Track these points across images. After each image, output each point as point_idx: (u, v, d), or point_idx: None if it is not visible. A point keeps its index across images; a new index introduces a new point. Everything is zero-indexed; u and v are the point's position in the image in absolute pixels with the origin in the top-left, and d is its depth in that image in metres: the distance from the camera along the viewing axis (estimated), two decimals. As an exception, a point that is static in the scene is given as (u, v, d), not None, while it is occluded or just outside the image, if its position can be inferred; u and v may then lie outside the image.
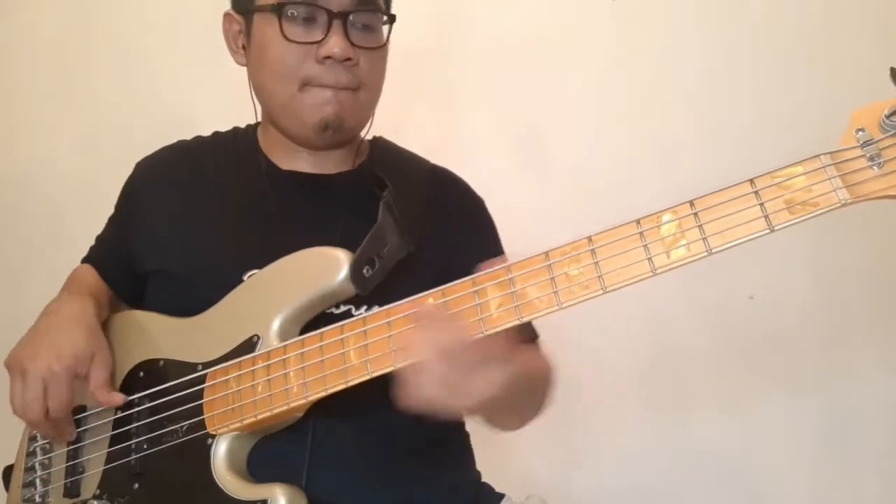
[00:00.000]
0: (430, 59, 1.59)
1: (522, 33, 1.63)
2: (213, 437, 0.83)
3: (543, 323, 0.83)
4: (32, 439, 0.97)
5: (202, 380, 0.86)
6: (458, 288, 0.74)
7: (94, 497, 0.90)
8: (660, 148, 1.54)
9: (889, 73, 0.60)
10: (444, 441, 0.95)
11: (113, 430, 0.91)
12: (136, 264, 0.98)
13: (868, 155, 0.60)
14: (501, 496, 0.95)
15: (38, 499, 0.95)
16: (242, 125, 1.05)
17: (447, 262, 0.90)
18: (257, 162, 0.98)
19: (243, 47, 0.96)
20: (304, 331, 0.85)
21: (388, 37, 0.95)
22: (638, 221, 0.67)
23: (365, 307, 0.86)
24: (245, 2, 0.94)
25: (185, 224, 0.96)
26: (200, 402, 0.85)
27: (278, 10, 0.88)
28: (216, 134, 1.06)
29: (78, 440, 0.94)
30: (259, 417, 0.81)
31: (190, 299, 0.90)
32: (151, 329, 0.94)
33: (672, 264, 0.66)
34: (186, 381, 0.87)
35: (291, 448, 0.84)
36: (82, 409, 0.94)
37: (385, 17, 0.93)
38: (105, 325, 0.95)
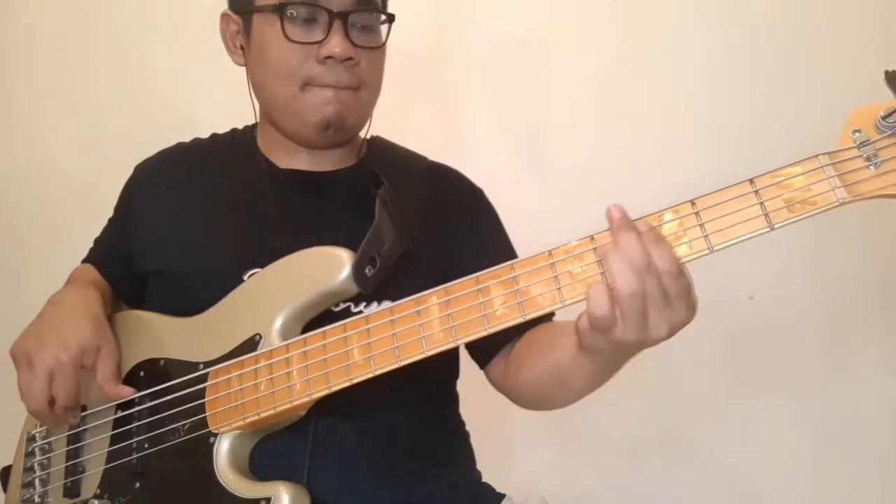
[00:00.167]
0: (430, 59, 1.60)
1: (522, 33, 1.64)
2: (216, 435, 0.84)
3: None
4: (31, 439, 0.98)
5: (203, 378, 0.87)
6: (462, 286, 0.75)
7: (95, 497, 0.91)
8: (659, 148, 1.56)
9: (884, 76, 0.62)
10: (445, 440, 0.96)
11: (113, 430, 0.92)
12: (136, 266, 0.99)
13: (865, 155, 0.62)
14: (502, 496, 0.95)
15: (37, 499, 0.95)
16: (242, 125, 1.07)
17: (449, 257, 0.92)
18: (256, 162, 0.99)
19: (242, 47, 0.97)
20: (305, 330, 0.86)
21: (387, 36, 0.96)
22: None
23: (364, 304, 0.87)
24: (244, 2, 0.95)
25: (184, 225, 0.97)
26: (202, 400, 0.86)
27: (279, 11, 0.89)
28: (214, 136, 1.07)
29: (78, 440, 0.94)
30: (262, 415, 0.82)
31: (190, 300, 0.91)
32: (152, 328, 0.95)
33: (674, 262, 0.67)
34: (188, 380, 0.88)
35: (293, 446, 0.85)
36: (82, 408, 0.94)
37: (384, 17, 0.94)
38: None
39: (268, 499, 0.80)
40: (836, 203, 0.62)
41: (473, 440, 1.00)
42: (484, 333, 0.74)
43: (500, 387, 0.96)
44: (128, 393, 0.90)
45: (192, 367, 0.89)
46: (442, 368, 0.97)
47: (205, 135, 1.08)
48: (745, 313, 1.48)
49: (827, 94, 1.48)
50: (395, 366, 0.77)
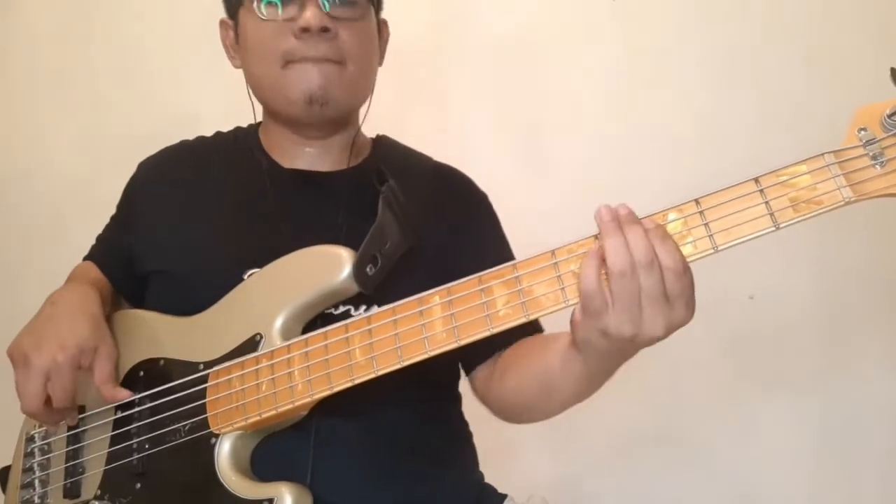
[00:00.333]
0: (430, 59, 1.60)
1: (523, 33, 1.64)
2: (217, 436, 0.84)
3: (543, 322, 0.84)
4: (30, 440, 0.97)
5: (204, 379, 0.86)
6: (465, 286, 0.75)
7: (96, 498, 0.90)
8: (660, 147, 1.56)
9: (890, 73, 0.61)
10: (448, 440, 0.96)
11: (113, 431, 0.91)
12: (137, 264, 0.99)
13: (871, 154, 0.61)
14: (504, 497, 0.95)
15: (37, 500, 0.95)
16: (244, 125, 1.06)
17: (449, 259, 0.92)
18: (258, 160, 0.99)
19: (238, 50, 0.98)
20: (305, 329, 0.86)
21: (376, 12, 0.97)
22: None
23: (364, 307, 0.86)
24: (233, 3, 0.97)
25: (186, 224, 0.96)
26: (203, 401, 0.85)
27: None
28: (218, 134, 1.07)
29: (77, 440, 0.94)
30: (264, 416, 0.82)
31: (191, 299, 0.91)
32: (151, 328, 0.94)
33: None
34: (188, 380, 0.87)
35: (294, 446, 0.85)
36: (81, 409, 0.94)
37: None
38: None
39: (270, 500, 0.79)
40: (842, 202, 0.61)
41: (476, 441, 1.00)
42: (487, 334, 0.73)
43: (483, 394, 0.95)
44: (125, 396, 0.89)
45: (193, 367, 0.88)
46: (444, 368, 0.96)
47: (206, 135, 1.07)
48: (745, 313, 1.47)
49: (827, 92, 1.48)
50: (398, 366, 0.77)
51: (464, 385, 1.00)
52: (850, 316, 1.47)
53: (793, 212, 0.62)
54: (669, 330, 0.67)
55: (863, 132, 0.62)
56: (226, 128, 1.07)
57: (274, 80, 0.92)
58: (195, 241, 0.95)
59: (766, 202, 0.63)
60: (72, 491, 0.93)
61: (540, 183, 1.59)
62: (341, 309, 0.87)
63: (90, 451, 0.93)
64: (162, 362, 0.91)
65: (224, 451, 0.84)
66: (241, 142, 1.03)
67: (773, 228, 0.63)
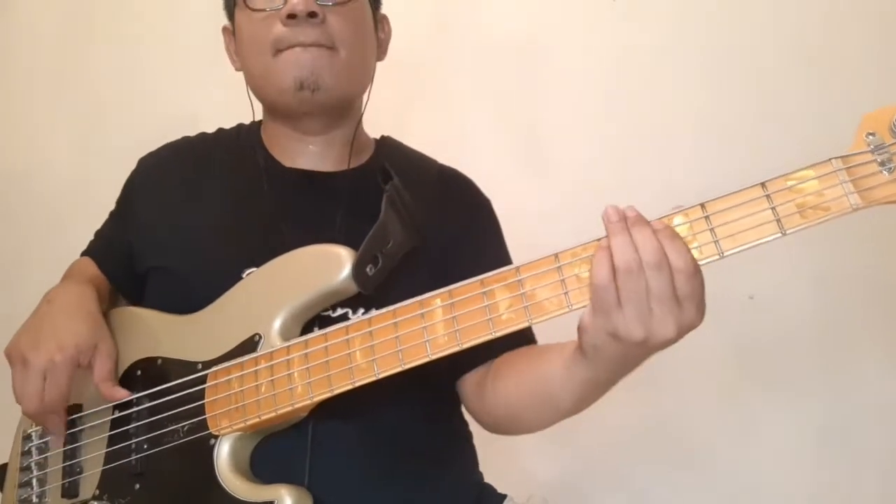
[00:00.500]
0: (430, 59, 1.59)
1: (523, 34, 1.63)
2: (216, 437, 0.83)
3: (545, 328, 0.82)
4: (27, 438, 0.96)
5: (203, 380, 0.85)
6: (467, 289, 0.74)
7: (94, 498, 0.89)
8: (661, 148, 1.55)
9: None
10: (448, 441, 0.95)
11: (111, 430, 0.90)
12: (136, 261, 0.98)
13: (879, 160, 0.60)
14: (504, 496, 0.94)
15: (34, 499, 0.94)
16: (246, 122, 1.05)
17: (449, 263, 0.91)
18: (258, 159, 0.98)
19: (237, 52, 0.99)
20: (303, 331, 0.85)
21: (374, 9, 0.97)
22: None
23: (362, 310, 0.85)
24: (230, 4, 0.97)
25: (185, 221, 0.95)
26: (202, 402, 0.84)
27: None
28: (220, 131, 1.06)
29: (74, 440, 0.93)
30: (263, 417, 0.81)
31: (189, 297, 0.90)
32: (148, 326, 0.93)
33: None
34: (187, 381, 0.86)
35: (294, 447, 0.84)
36: (78, 408, 0.93)
37: None
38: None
39: (270, 503, 0.79)
40: (850, 210, 0.60)
41: (476, 441, 0.99)
42: (489, 337, 0.72)
43: (473, 404, 0.93)
44: (123, 395, 0.88)
45: (191, 366, 0.87)
46: (445, 369, 0.95)
47: (209, 132, 1.06)
48: (745, 313, 1.47)
49: (828, 93, 1.47)
50: (399, 369, 0.76)
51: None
52: (850, 316, 1.46)
53: (800, 218, 0.61)
54: (681, 332, 0.65)
55: (871, 137, 0.61)
56: (227, 127, 1.06)
57: (265, 69, 0.92)
58: (194, 239, 0.94)
59: (773, 208, 0.62)
60: (70, 490, 0.92)
61: (540, 183, 1.58)
62: (339, 312, 0.86)
63: (88, 451, 0.92)
64: (160, 361, 0.90)
65: (223, 452, 0.83)
66: (243, 139, 1.02)
67: (780, 235, 0.62)
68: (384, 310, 0.78)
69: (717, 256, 0.65)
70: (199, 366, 0.87)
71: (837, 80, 1.47)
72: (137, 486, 0.87)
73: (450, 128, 1.61)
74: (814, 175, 0.61)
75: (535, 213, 1.45)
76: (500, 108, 1.63)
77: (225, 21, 1.01)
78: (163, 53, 1.75)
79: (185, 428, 0.85)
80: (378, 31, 1.00)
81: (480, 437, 0.98)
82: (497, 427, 0.91)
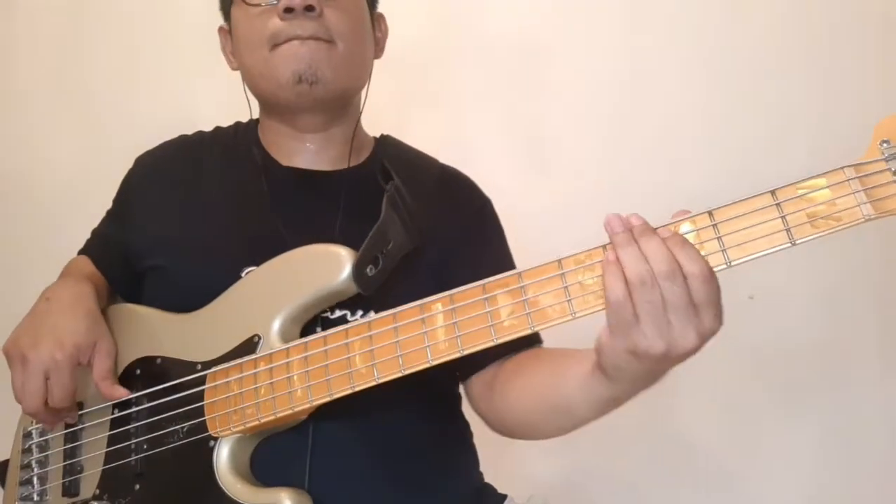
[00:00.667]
0: (432, 60, 1.57)
1: (525, 33, 1.62)
2: (216, 439, 0.82)
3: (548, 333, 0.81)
4: (27, 436, 0.96)
5: (202, 380, 0.84)
6: (468, 294, 0.72)
7: (94, 497, 0.89)
8: (664, 149, 1.53)
9: None
10: (448, 443, 0.94)
11: (111, 430, 0.89)
12: (134, 260, 0.96)
13: (894, 168, 0.58)
14: (504, 497, 0.94)
15: (35, 497, 0.93)
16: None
17: (450, 264, 0.89)
18: (255, 158, 0.97)
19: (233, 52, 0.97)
20: (303, 330, 0.84)
21: (370, 7, 0.95)
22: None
23: (361, 312, 0.84)
24: (226, 4, 0.96)
25: (182, 220, 0.94)
26: (201, 403, 0.83)
27: None
28: (218, 129, 1.04)
29: (75, 438, 0.92)
30: (262, 421, 0.80)
31: (187, 296, 0.89)
32: (147, 324, 0.92)
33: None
34: (186, 381, 0.85)
35: (294, 448, 0.83)
36: (79, 406, 0.92)
37: None
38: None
39: (271, 507, 0.78)
40: (862, 220, 0.58)
41: (476, 441, 0.98)
42: (491, 344, 0.71)
43: (480, 407, 0.92)
44: (123, 394, 0.87)
45: (190, 367, 0.86)
46: (446, 371, 0.94)
47: (205, 130, 1.04)
48: (744, 314, 1.45)
49: (830, 96, 1.45)
50: (399, 374, 0.75)
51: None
52: (850, 315, 1.45)
53: (810, 228, 0.59)
54: (702, 340, 0.63)
55: (885, 145, 0.58)
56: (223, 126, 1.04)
57: (263, 64, 0.90)
58: (191, 238, 0.92)
59: (783, 217, 0.60)
60: (70, 489, 0.91)
61: (542, 184, 1.57)
62: (338, 313, 0.85)
63: (88, 450, 0.91)
64: (159, 360, 0.89)
65: (223, 454, 0.82)
66: (241, 138, 1.01)
67: (789, 245, 0.60)
68: (384, 313, 0.76)
69: (725, 266, 0.63)
70: (199, 366, 0.86)
71: (845, 84, 1.45)
72: (137, 486, 0.86)
73: (451, 127, 1.60)
74: (825, 184, 0.59)
75: (537, 213, 1.44)
76: (502, 107, 1.62)
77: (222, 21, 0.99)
78: (163, 53, 1.73)
79: (185, 429, 0.84)
80: (375, 30, 0.98)
81: (480, 438, 0.97)
82: (507, 431, 0.90)
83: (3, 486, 0.98)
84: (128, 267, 0.97)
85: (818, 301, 1.46)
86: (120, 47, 1.76)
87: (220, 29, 1.00)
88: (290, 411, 0.79)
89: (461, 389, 0.98)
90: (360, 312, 0.84)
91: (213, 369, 0.84)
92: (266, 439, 0.84)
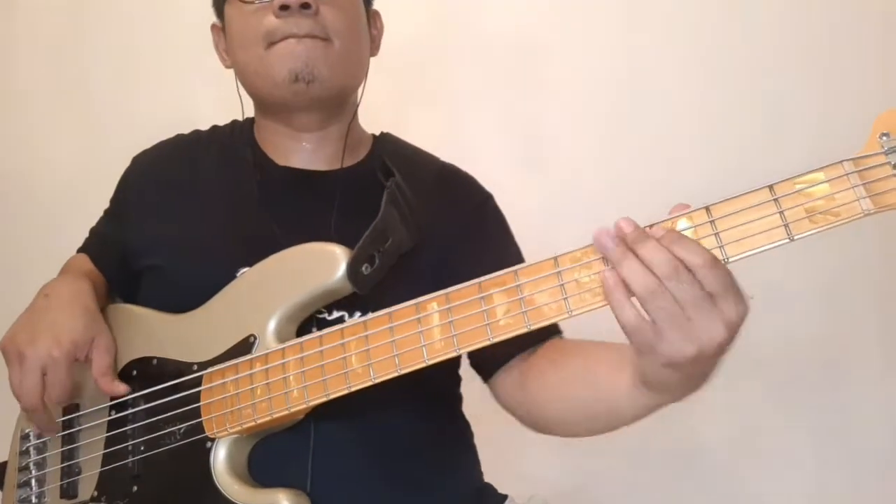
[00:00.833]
0: (430, 59, 1.56)
1: (523, 31, 1.61)
2: (212, 440, 0.81)
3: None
4: (25, 437, 0.95)
5: (198, 381, 0.83)
6: (464, 293, 0.71)
7: (93, 499, 0.88)
8: (662, 147, 1.52)
9: None
10: (448, 443, 0.93)
11: (108, 431, 0.89)
12: (131, 260, 0.96)
13: (893, 162, 0.56)
14: (504, 497, 0.93)
15: (34, 499, 0.93)
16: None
17: (452, 262, 0.88)
18: (251, 158, 0.96)
19: (227, 50, 0.96)
20: (299, 330, 0.83)
21: (365, 4, 0.94)
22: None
23: (359, 313, 0.83)
24: (219, 1, 0.95)
25: (179, 220, 0.93)
26: (197, 404, 0.83)
27: None
28: (214, 128, 1.03)
29: (72, 440, 0.91)
30: (259, 421, 0.79)
31: (184, 296, 0.88)
32: (144, 324, 0.91)
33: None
34: (182, 382, 0.84)
35: (293, 448, 0.82)
36: (76, 407, 0.91)
37: None
38: None
39: (268, 508, 0.77)
40: (861, 214, 0.57)
41: (476, 441, 0.97)
42: (487, 343, 0.70)
43: (512, 402, 0.89)
44: (123, 390, 0.86)
45: (186, 367, 0.85)
46: (446, 371, 0.93)
47: (203, 129, 1.03)
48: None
49: (835, 95, 1.44)
50: (395, 374, 0.73)
51: (465, 386, 0.97)
52: (850, 312, 1.44)
53: (809, 223, 0.58)
54: (731, 328, 0.59)
55: (884, 138, 0.57)
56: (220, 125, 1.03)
57: (258, 62, 0.89)
58: (188, 238, 0.91)
59: (781, 212, 0.59)
60: (68, 491, 0.91)
61: (539, 182, 1.55)
62: (335, 314, 0.84)
63: (85, 452, 0.90)
64: (155, 361, 0.88)
65: (220, 456, 0.81)
66: (237, 137, 1.00)
67: (788, 241, 0.59)
68: (380, 313, 0.75)
69: (723, 262, 0.61)
70: (195, 367, 0.85)
71: (844, 83, 1.44)
72: (135, 488, 0.85)
73: (448, 126, 1.59)
74: (824, 178, 0.58)
75: (534, 211, 1.42)
76: (499, 106, 1.61)
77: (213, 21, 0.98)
78: (162, 53, 1.73)
79: (182, 430, 0.83)
80: (371, 27, 0.97)
81: (481, 438, 0.96)
82: (540, 428, 0.87)
83: (1, 489, 0.97)
84: (125, 266, 0.96)
85: (818, 297, 1.45)
86: (120, 47, 1.76)
87: (213, 26, 0.99)
88: (286, 412, 0.78)
89: (458, 390, 0.97)
90: (357, 314, 0.83)
91: (210, 370, 0.83)
92: (266, 440, 0.83)
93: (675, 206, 0.64)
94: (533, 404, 0.85)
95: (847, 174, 0.57)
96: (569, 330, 0.73)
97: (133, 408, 0.87)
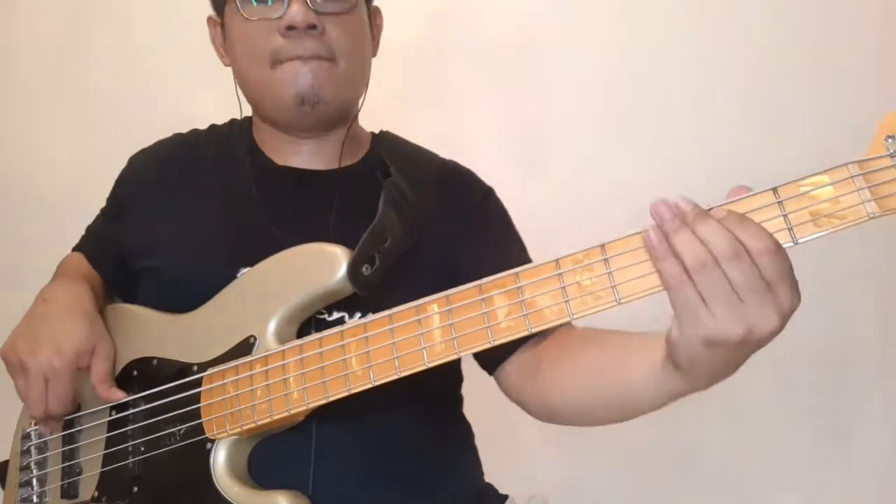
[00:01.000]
0: (430, 58, 1.55)
1: (524, 32, 1.60)
2: (212, 442, 0.80)
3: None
4: (26, 437, 0.94)
5: (198, 383, 0.82)
6: (464, 295, 0.70)
7: (93, 499, 0.87)
8: (661, 147, 1.51)
9: None
10: (449, 444, 0.92)
11: (108, 432, 0.88)
12: (129, 261, 0.94)
13: (899, 165, 0.55)
14: (505, 497, 0.92)
15: (35, 499, 0.92)
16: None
17: (452, 260, 0.87)
18: (250, 158, 0.94)
19: (226, 49, 0.94)
20: (299, 330, 0.82)
21: (367, 3, 0.92)
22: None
23: (359, 314, 0.82)
24: (219, 0, 0.92)
25: (177, 220, 0.92)
26: (197, 406, 0.82)
27: None
28: (213, 127, 1.01)
29: (73, 440, 0.90)
30: (259, 423, 0.78)
31: (183, 297, 0.87)
32: (144, 324, 0.90)
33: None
34: (182, 383, 0.83)
35: (293, 449, 0.81)
36: (77, 407, 0.90)
37: None
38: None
39: (267, 511, 0.76)
40: (866, 218, 0.55)
41: (476, 441, 0.96)
42: (487, 346, 0.69)
43: (523, 392, 0.85)
44: (121, 396, 0.86)
45: (186, 368, 0.84)
46: (446, 372, 0.91)
47: (201, 128, 1.01)
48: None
49: (826, 96, 1.43)
50: (395, 377, 0.72)
51: (466, 385, 0.96)
52: (851, 314, 1.43)
53: (813, 227, 0.56)
54: (784, 319, 0.56)
55: (890, 140, 0.55)
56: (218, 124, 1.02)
57: (263, 81, 0.87)
58: (186, 239, 0.90)
59: (785, 215, 0.57)
60: (69, 491, 0.90)
61: (538, 182, 1.54)
62: (336, 315, 0.83)
63: (86, 452, 0.89)
64: (155, 362, 0.87)
65: (220, 457, 0.80)
66: (235, 137, 0.98)
67: (792, 244, 0.57)
68: (380, 314, 0.74)
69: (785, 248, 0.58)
70: (195, 367, 0.84)
71: (842, 79, 1.43)
72: (135, 488, 0.84)
73: (448, 125, 1.57)
74: (829, 181, 0.56)
75: (534, 211, 1.40)
76: (499, 105, 1.60)
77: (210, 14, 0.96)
78: (162, 53, 1.71)
79: (182, 432, 0.82)
80: (371, 27, 0.95)
81: (481, 438, 0.95)
82: (554, 418, 0.82)
83: (3, 488, 0.96)
84: (122, 266, 0.95)
85: (818, 299, 1.44)
86: (120, 47, 1.74)
87: (210, 20, 0.95)
88: (286, 414, 0.77)
89: (459, 391, 0.96)
90: (358, 315, 0.82)
91: (209, 371, 0.82)
92: (267, 441, 0.82)
93: (734, 188, 0.59)
94: (546, 394, 0.81)
95: (852, 177, 0.56)
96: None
97: (133, 408, 0.86)
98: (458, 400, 0.96)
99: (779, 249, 0.56)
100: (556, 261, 0.65)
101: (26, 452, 0.93)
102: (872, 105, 0.61)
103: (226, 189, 0.93)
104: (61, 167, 1.76)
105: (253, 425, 0.78)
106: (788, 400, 1.46)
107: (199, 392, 0.82)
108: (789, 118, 1.46)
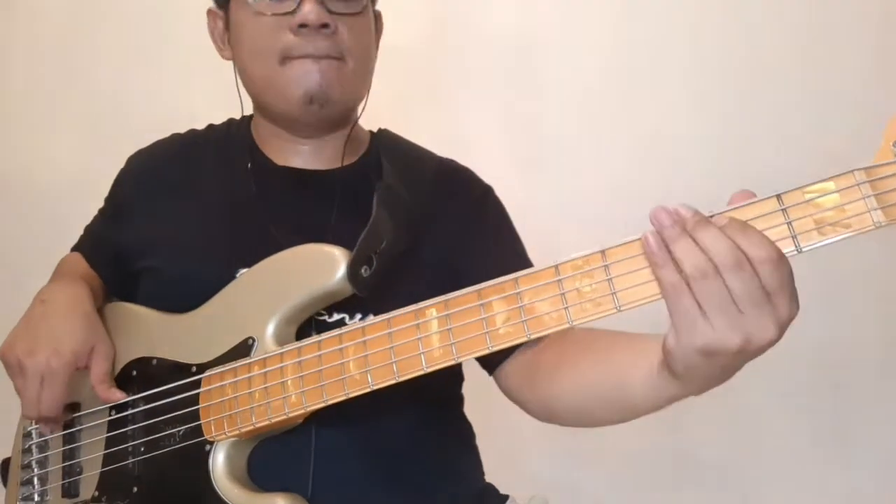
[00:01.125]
0: (430, 57, 1.54)
1: (525, 31, 1.58)
2: (211, 443, 0.79)
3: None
4: (27, 436, 0.93)
5: (197, 384, 0.81)
6: (463, 300, 0.68)
7: (93, 499, 0.86)
8: (663, 149, 1.49)
9: None
10: (449, 445, 0.90)
11: (108, 432, 0.87)
12: (128, 261, 0.93)
13: (907, 172, 0.53)
14: (506, 497, 0.90)
15: (36, 497, 0.91)
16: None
17: (451, 259, 0.85)
18: (248, 158, 0.93)
19: (228, 42, 0.91)
20: (299, 331, 0.80)
21: (374, 10, 0.90)
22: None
23: (359, 315, 0.80)
24: None
25: (176, 221, 0.90)
26: (196, 407, 0.80)
27: None
28: (211, 127, 0.99)
29: (73, 440, 0.89)
30: (257, 426, 0.77)
31: (182, 298, 0.85)
32: (143, 324, 0.89)
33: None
34: (181, 384, 0.82)
35: (293, 451, 0.80)
36: (76, 407, 0.89)
37: None
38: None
39: (265, 513, 0.75)
40: (872, 227, 0.53)
41: (477, 441, 0.95)
42: (486, 352, 0.67)
43: (523, 393, 0.83)
44: (120, 397, 0.85)
45: (185, 369, 0.83)
46: (447, 373, 0.89)
47: (199, 128, 0.99)
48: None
49: (826, 96, 1.41)
50: (393, 381, 0.71)
51: (466, 385, 0.95)
52: (851, 315, 1.41)
53: (818, 235, 0.54)
54: (781, 329, 0.55)
55: (898, 147, 0.53)
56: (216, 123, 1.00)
57: (272, 77, 0.85)
58: (185, 239, 0.88)
59: (790, 223, 0.55)
60: (70, 491, 0.89)
61: (539, 182, 1.53)
62: (336, 317, 0.81)
63: (86, 452, 0.88)
64: (155, 362, 0.86)
65: (219, 459, 0.79)
66: (234, 136, 0.96)
67: (795, 252, 0.55)
68: (379, 318, 0.72)
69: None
70: (194, 368, 0.82)
71: (842, 79, 1.41)
72: (135, 489, 0.83)
73: (448, 125, 1.56)
74: (834, 188, 0.54)
75: (534, 211, 1.39)
76: (499, 105, 1.58)
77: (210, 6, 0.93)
78: (162, 53, 1.70)
79: (181, 433, 0.81)
80: (375, 32, 0.93)
81: (482, 438, 0.94)
82: (555, 419, 0.81)
83: (4, 485, 0.95)
84: (120, 266, 0.94)
85: (818, 300, 1.42)
86: (119, 47, 1.73)
87: (210, 12, 0.93)
88: (284, 417, 0.75)
89: (460, 391, 0.95)
90: (358, 315, 0.81)
91: (208, 373, 0.81)
92: (266, 443, 0.80)
93: (736, 193, 0.57)
94: (545, 395, 0.80)
95: (858, 184, 0.54)
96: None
97: (133, 409, 0.85)
98: (459, 400, 0.94)
99: (781, 259, 0.54)
100: (556, 266, 0.63)
101: (27, 451, 0.92)
102: (872, 105, 0.59)
103: (225, 189, 0.91)
104: (61, 166, 1.75)
105: (251, 428, 0.77)
106: (788, 400, 1.44)
107: (198, 393, 0.80)
108: (789, 118, 1.44)
